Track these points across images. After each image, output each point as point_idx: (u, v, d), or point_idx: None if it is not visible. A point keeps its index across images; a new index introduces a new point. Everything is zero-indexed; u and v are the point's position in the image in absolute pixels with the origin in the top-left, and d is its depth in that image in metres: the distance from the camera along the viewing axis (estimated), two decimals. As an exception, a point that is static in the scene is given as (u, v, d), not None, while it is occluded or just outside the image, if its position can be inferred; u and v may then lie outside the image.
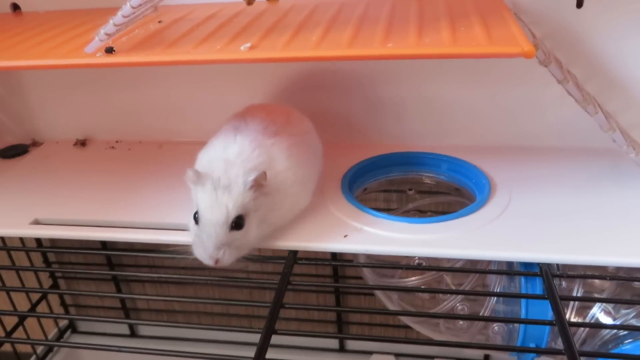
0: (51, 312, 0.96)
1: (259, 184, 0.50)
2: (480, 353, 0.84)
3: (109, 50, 0.47)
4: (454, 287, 0.61)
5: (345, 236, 0.53)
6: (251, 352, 0.45)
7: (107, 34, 0.47)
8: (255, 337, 0.98)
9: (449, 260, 0.58)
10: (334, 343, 0.90)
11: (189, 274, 0.81)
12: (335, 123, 0.73)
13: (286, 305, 0.48)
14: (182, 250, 0.53)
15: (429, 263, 0.59)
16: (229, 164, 0.51)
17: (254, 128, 0.55)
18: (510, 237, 0.52)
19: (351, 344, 0.89)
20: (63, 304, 0.98)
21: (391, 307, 0.65)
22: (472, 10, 0.52)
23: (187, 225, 0.53)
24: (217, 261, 0.49)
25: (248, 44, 0.45)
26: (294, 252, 0.53)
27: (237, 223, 0.49)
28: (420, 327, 0.64)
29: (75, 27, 0.58)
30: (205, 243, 0.49)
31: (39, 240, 0.89)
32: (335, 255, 0.79)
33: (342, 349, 0.90)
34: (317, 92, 0.72)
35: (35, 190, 0.66)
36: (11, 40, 0.55)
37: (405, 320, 0.65)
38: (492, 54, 0.41)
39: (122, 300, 0.96)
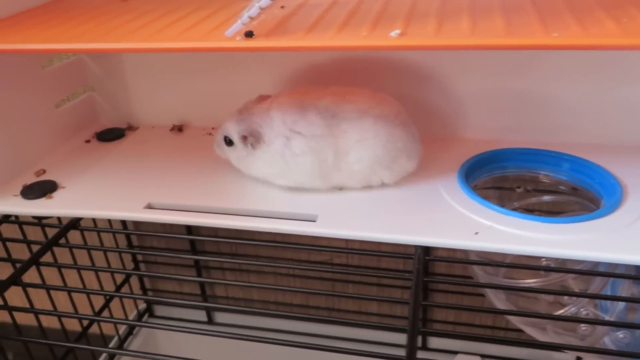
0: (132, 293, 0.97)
1: (245, 141, 0.60)
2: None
3: (249, 34, 0.46)
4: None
5: (476, 233, 0.51)
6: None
7: (250, 17, 0.46)
8: (335, 330, 0.96)
9: (574, 264, 0.56)
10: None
11: (271, 263, 0.80)
12: (424, 115, 0.70)
13: (422, 303, 0.46)
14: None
15: (555, 265, 0.57)
16: (268, 110, 0.60)
17: (322, 113, 0.58)
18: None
19: (434, 342, 0.88)
20: (142, 287, 0.99)
21: (499, 305, 0.63)
22: (625, 1, 0.49)
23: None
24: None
25: (398, 31, 0.44)
26: (423, 248, 0.51)
27: (227, 140, 0.62)
28: (531, 330, 0.62)
29: (198, 9, 0.57)
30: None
31: (124, 223, 0.89)
32: (428, 251, 0.77)
33: (424, 347, 0.88)
34: (407, 83, 0.70)
35: (140, 174, 0.66)
36: (136, 22, 0.54)
37: (514, 320, 0.63)
38: (676, 46, 0.38)
39: (202, 287, 0.96)
